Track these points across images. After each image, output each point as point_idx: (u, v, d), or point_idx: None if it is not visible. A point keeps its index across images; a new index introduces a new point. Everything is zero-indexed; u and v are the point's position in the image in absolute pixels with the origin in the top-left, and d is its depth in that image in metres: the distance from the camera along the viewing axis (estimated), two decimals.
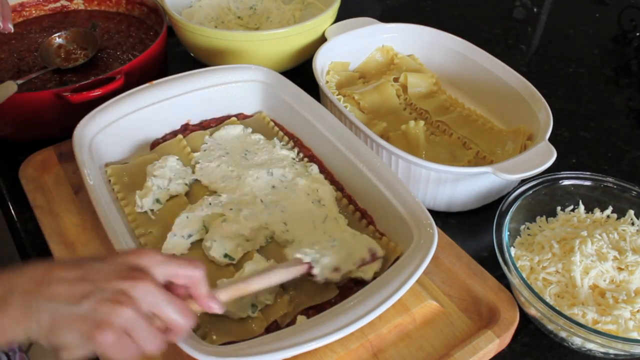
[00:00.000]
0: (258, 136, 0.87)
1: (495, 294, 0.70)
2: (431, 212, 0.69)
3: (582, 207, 0.79)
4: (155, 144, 0.87)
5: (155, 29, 1.10)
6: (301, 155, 0.85)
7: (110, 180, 0.80)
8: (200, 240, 0.72)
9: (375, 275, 0.68)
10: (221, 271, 0.70)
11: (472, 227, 0.84)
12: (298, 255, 0.65)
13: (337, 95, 0.98)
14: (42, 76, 0.98)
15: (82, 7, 1.17)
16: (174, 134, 0.88)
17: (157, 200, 0.76)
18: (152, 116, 0.86)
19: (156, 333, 0.49)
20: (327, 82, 1.00)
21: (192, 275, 0.52)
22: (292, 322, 0.64)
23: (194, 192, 0.80)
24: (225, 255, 0.70)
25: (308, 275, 0.65)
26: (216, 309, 0.54)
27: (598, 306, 0.67)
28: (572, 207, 0.79)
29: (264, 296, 0.65)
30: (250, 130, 0.88)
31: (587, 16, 1.37)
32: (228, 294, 0.57)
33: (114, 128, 0.82)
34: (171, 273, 0.51)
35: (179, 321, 0.50)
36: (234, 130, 0.88)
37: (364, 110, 0.97)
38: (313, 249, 0.67)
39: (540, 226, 0.78)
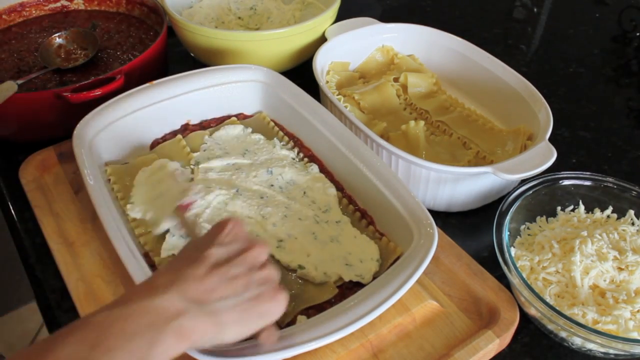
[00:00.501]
0: (258, 136, 0.87)
1: (495, 294, 0.70)
2: (431, 212, 0.69)
3: (582, 207, 0.79)
4: (155, 144, 0.87)
5: (155, 29, 1.10)
6: (301, 155, 0.85)
7: (110, 180, 0.80)
8: None
9: (375, 276, 0.68)
10: None
11: (472, 227, 0.84)
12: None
13: (337, 95, 0.98)
14: (42, 76, 0.98)
15: (82, 7, 1.17)
16: (173, 134, 0.88)
17: None
18: (152, 116, 0.86)
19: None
20: (327, 82, 1.00)
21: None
22: (292, 322, 0.64)
23: None
24: None
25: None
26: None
27: (598, 306, 0.67)
28: (572, 207, 0.79)
29: None
30: (250, 130, 0.88)
31: (587, 16, 1.38)
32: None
33: (114, 128, 0.82)
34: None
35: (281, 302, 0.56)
36: (233, 130, 0.88)
37: (364, 110, 0.97)
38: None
39: (540, 226, 0.78)
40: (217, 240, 0.55)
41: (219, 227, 0.57)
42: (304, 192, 0.78)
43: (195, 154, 0.84)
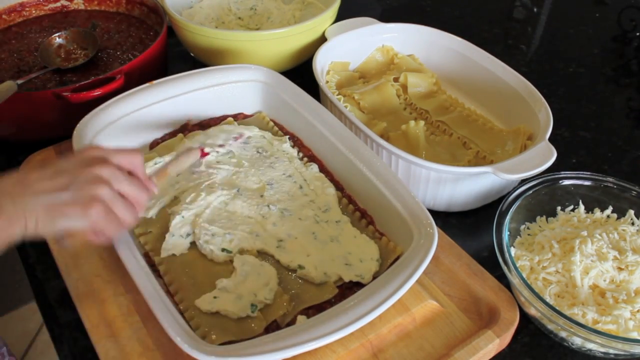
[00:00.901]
0: (256, 132, 0.87)
1: (495, 294, 0.70)
2: (431, 212, 0.69)
3: (582, 207, 0.79)
4: (154, 144, 0.87)
5: (155, 29, 1.10)
6: (301, 155, 0.85)
7: None
8: None
9: (375, 276, 0.68)
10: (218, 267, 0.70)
11: (472, 227, 0.84)
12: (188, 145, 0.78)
13: (337, 95, 0.98)
14: (42, 76, 0.98)
15: (82, 7, 1.17)
16: (173, 133, 0.88)
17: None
18: (152, 116, 0.86)
19: (128, 205, 0.59)
20: (327, 82, 1.00)
21: (133, 161, 0.61)
22: (292, 322, 0.64)
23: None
24: (223, 250, 0.70)
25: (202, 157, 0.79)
26: (153, 188, 0.64)
27: (598, 306, 0.67)
28: (572, 207, 0.79)
29: (263, 295, 0.65)
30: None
31: (587, 16, 1.38)
32: (156, 178, 0.67)
33: (114, 128, 0.82)
34: (120, 160, 0.60)
35: (142, 195, 0.60)
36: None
37: (364, 110, 0.97)
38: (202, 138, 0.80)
39: (540, 226, 0.78)
40: (63, 159, 0.58)
41: (94, 149, 0.60)
42: (304, 193, 0.78)
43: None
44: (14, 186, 0.54)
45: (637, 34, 1.32)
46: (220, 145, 0.82)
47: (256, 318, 0.64)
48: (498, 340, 0.66)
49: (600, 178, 0.78)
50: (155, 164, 0.79)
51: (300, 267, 0.69)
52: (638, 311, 0.66)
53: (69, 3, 1.17)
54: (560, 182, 0.78)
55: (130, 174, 0.61)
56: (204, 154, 0.80)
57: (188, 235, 0.72)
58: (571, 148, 0.99)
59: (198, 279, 0.68)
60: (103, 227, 0.57)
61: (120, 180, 0.58)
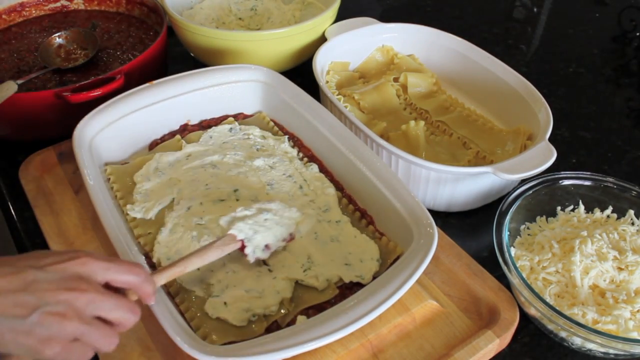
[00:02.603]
0: (257, 131, 0.87)
1: (495, 294, 0.70)
2: (431, 212, 0.69)
3: (582, 207, 0.79)
4: (154, 144, 0.87)
5: (155, 29, 1.10)
6: (301, 155, 0.85)
7: (109, 180, 0.80)
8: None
9: (375, 276, 0.68)
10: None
11: (472, 227, 0.84)
12: (232, 232, 0.66)
13: (337, 95, 0.98)
14: (42, 76, 0.98)
15: (82, 7, 1.17)
16: (172, 134, 0.88)
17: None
18: (152, 116, 0.86)
19: (106, 332, 0.50)
20: (327, 82, 1.00)
21: (130, 282, 0.53)
22: (292, 322, 0.64)
23: None
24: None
25: (241, 252, 0.67)
26: (152, 304, 0.57)
27: (598, 306, 0.67)
28: (572, 207, 0.79)
29: (267, 308, 0.65)
30: (239, 127, 0.89)
31: (587, 16, 1.37)
32: (166, 277, 0.60)
33: (114, 128, 0.82)
34: (112, 279, 0.51)
35: (128, 319, 0.51)
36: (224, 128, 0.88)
37: (364, 110, 0.97)
38: (247, 225, 0.67)
39: (540, 226, 0.78)
40: (42, 262, 0.49)
41: (59, 251, 0.51)
42: (304, 193, 0.78)
43: (191, 149, 0.84)
44: None
45: (637, 34, 1.32)
46: (267, 247, 0.69)
47: (257, 319, 0.64)
48: (498, 340, 0.65)
49: (600, 178, 0.78)
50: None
51: (301, 281, 0.68)
52: (638, 311, 0.66)
53: (69, 3, 1.17)
54: (560, 182, 0.78)
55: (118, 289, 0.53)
56: (243, 247, 0.67)
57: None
58: (571, 148, 0.99)
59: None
60: (71, 356, 0.48)
61: (101, 307, 0.49)
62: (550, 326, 0.68)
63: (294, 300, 0.67)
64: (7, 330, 0.46)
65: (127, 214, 0.75)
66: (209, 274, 0.68)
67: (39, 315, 0.46)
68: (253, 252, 0.67)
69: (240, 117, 0.93)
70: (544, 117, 0.85)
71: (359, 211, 0.77)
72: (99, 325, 0.49)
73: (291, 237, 0.71)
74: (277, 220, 0.70)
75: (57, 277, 0.48)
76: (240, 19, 1.17)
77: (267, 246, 0.68)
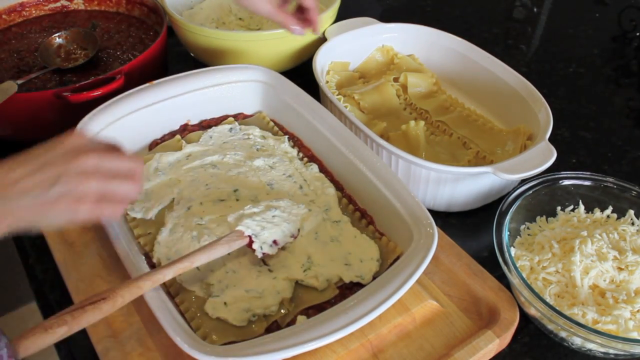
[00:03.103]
0: (257, 131, 0.87)
1: (495, 294, 0.70)
2: (431, 212, 0.69)
3: (582, 207, 0.79)
4: (154, 145, 0.87)
5: (155, 29, 1.10)
6: (301, 155, 0.85)
7: None
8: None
9: (375, 276, 0.68)
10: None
11: (472, 227, 0.84)
12: (239, 228, 0.67)
13: (337, 95, 0.98)
14: (42, 76, 0.98)
15: (82, 7, 1.17)
16: (172, 134, 0.88)
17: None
18: (152, 116, 0.86)
19: (125, 182, 0.56)
20: (327, 82, 1.00)
21: (114, 146, 0.59)
22: (292, 322, 0.64)
23: None
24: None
25: (248, 247, 0.67)
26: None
27: (598, 306, 0.67)
28: (572, 207, 0.79)
29: (267, 308, 0.65)
30: (239, 127, 0.89)
31: (587, 16, 1.38)
32: (172, 272, 0.61)
33: (114, 128, 0.82)
34: (103, 145, 0.58)
35: (137, 167, 0.58)
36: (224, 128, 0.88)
37: (364, 110, 0.97)
38: (255, 221, 0.68)
39: (540, 226, 0.78)
40: (47, 146, 0.55)
41: (77, 137, 0.56)
42: (304, 193, 0.78)
43: (191, 149, 0.84)
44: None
45: (637, 34, 1.32)
46: (275, 242, 0.69)
47: (257, 320, 0.64)
48: (498, 340, 0.65)
49: (600, 178, 0.78)
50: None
51: (301, 281, 0.68)
52: (638, 311, 0.66)
53: (69, 3, 1.17)
54: (560, 182, 0.78)
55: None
56: (250, 242, 0.68)
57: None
58: (571, 148, 0.99)
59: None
60: (98, 215, 0.55)
61: (109, 162, 0.55)
62: (550, 326, 0.68)
63: (294, 300, 0.67)
64: (39, 205, 0.51)
65: (127, 214, 0.75)
66: (209, 274, 0.68)
67: (62, 184, 0.52)
68: (260, 248, 0.67)
69: (240, 117, 0.93)
70: (544, 117, 0.85)
71: (359, 211, 0.77)
72: (117, 177, 0.55)
73: (294, 235, 0.71)
74: (285, 217, 0.70)
75: (63, 152, 0.54)
76: (240, 19, 1.17)
77: (275, 242, 0.68)
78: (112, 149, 0.58)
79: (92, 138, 0.57)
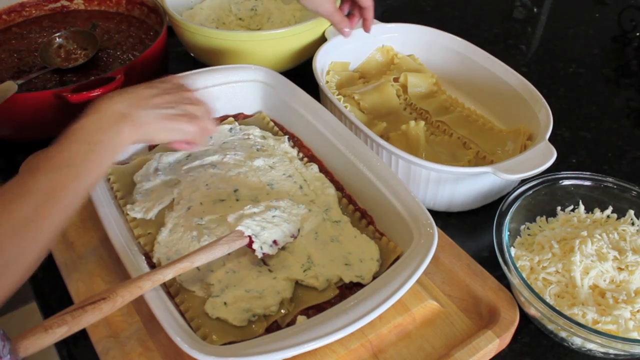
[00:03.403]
0: (257, 131, 0.87)
1: (495, 294, 0.70)
2: (431, 212, 0.69)
3: (582, 207, 0.79)
4: (154, 145, 0.87)
5: (155, 29, 1.10)
6: (301, 155, 0.85)
7: (109, 180, 0.80)
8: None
9: (375, 276, 0.68)
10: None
11: (472, 227, 0.84)
12: (239, 228, 0.67)
13: (337, 95, 0.98)
14: (42, 76, 0.98)
15: (82, 7, 1.17)
16: None
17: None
18: None
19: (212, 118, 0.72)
20: (327, 82, 1.00)
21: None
22: (292, 322, 0.64)
23: None
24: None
25: (248, 247, 0.68)
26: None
27: (598, 306, 0.67)
28: (572, 207, 0.79)
29: (267, 308, 0.65)
30: (239, 127, 0.89)
31: (587, 16, 1.37)
32: (172, 272, 0.61)
33: None
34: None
35: (211, 108, 0.71)
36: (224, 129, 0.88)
37: (364, 110, 0.97)
38: (255, 221, 0.68)
39: (540, 226, 0.78)
40: (171, 82, 0.71)
41: (179, 78, 0.73)
42: (304, 193, 0.78)
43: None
44: (135, 99, 0.64)
45: (637, 34, 1.32)
46: (275, 242, 0.70)
47: (257, 320, 0.64)
48: (498, 340, 0.65)
49: (600, 178, 0.78)
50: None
51: (301, 281, 0.68)
52: (638, 311, 0.66)
53: (69, 3, 1.17)
54: (560, 182, 0.78)
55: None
56: (251, 242, 0.68)
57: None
58: (571, 148, 0.99)
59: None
60: (200, 137, 0.68)
61: (200, 101, 0.70)
62: (551, 326, 0.68)
63: (294, 301, 0.67)
64: (169, 118, 0.65)
65: (127, 214, 0.75)
66: (209, 274, 0.68)
67: (181, 104, 0.67)
68: (260, 248, 0.67)
69: (240, 117, 0.93)
70: (544, 117, 0.85)
71: (359, 211, 0.77)
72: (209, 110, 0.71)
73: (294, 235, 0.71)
74: (285, 217, 0.70)
75: (174, 86, 0.70)
76: (240, 19, 1.17)
77: (275, 242, 0.68)
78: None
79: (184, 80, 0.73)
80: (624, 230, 0.74)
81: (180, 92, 0.68)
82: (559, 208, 0.79)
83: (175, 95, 0.67)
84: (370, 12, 0.95)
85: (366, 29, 0.97)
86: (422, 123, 0.89)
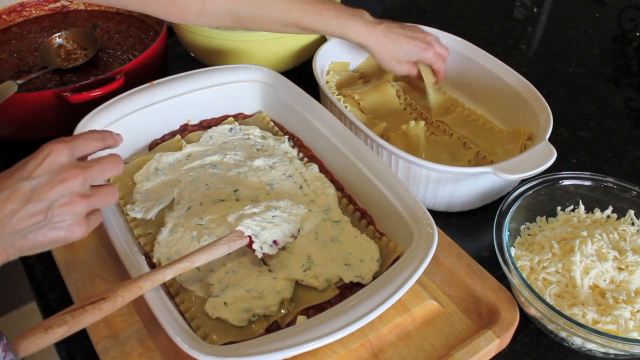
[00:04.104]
0: (257, 131, 0.87)
1: (495, 294, 0.70)
2: (431, 212, 0.69)
3: (582, 207, 0.79)
4: (154, 145, 0.87)
5: (155, 29, 1.10)
6: (301, 155, 0.85)
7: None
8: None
9: (375, 276, 0.68)
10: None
11: (472, 227, 0.84)
12: (239, 228, 0.67)
13: (337, 95, 0.98)
14: (42, 76, 0.98)
15: (82, 7, 1.17)
16: (172, 134, 0.88)
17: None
18: (152, 116, 0.86)
19: (106, 190, 0.60)
20: (327, 82, 1.00)
21: (98, 146, 0.61)
22: (292, 322, 0.64)
23: None
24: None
25: (248, 247, 0.67)
26: (117, 139, 0.64)
27: (598, 306, 0.67)
28: (572, 207, 0.79)
29: (268, 308, 0.65)
30: (239, 127, 0.89)
31: (587, 16, 1.38)
32: (172, 272, 0.61)
33: (114, 128, 0.82)
34: (84, 152, 0.60)
35: (118, 171, 0.60)
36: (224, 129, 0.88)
37: (364, 110, 0.97)
38: (255, 221, 0.68)
39: (540, 226, 0.78)
40: (26, 172, 0.55)
41: (32, 157, 0.56)
42: (304, 193, 0.78)
43: (191, 149, 0.84)
44: None
45: (637, 34, 1.32)
46: (275, 242, 0.69)
47: (257, 320, 0.64)
48: (498, 341, 0.65)
49: (600, 178, 0.78)
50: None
51: (301, 281, 0.68)
52: (638, 311, 0.66)
53: (69, 3, 1.17)
54: (560, 182, 0.78)
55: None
56: (251, 242, 0.68)
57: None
58: (571, 148, 0.99)
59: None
60: (92, 226, 0.59)
61: (93, 178, 0.57)
62: (551, 326, 0.68)
63: (294, 301, 0.67)
64: (39, 236, 0.54)
65: (127, 214, 0.75)
66: (209, 274, 0.68)
67: (54, 212, 0.54)
68: (260, 248, 0.67)
69: (240, 117, 0.93)
70: (544, 117, 0.85)
71: (359, 211, 0.77)
72: (99, 190, 0.59)
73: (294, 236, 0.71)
74: (285, 217, 0.70)
75: (47, 178, 0.54)
76: None
77: (275, 242, 0.68)
78: (84, 139, 0.60)
79: (70, 144, 0.57)
80: (624, 230, 0.74)
81: (59, 188, 0.54)
82: (559, 208, 0.79)
83: (48, 197, 0.54)
84: (442, 69, 0.95)
85: (437, 83, 0.97)
86: (422, 123, 0.89)
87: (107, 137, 0.62)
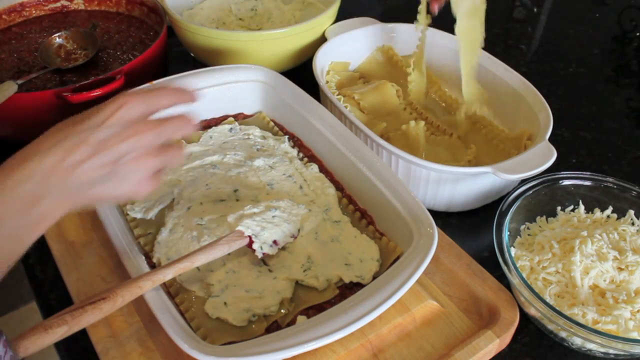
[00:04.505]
0: (257, 131, 0.87)
1: (495, 294, 0.70)
2: (431, 212, 0.69)
3: (582, 207, 0.79)
4: None
5: (155, 29, 1.10)
6: (301, 155, 0.85)
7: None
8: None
9: (375, 276, 0.68)
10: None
11: (472, 227, 0.84)
12: (239, 228, 0.67)
13: (337, 95, 0.98)
14: (42, 76, 0.98)
15: (82, 7, 1.17)
16: None
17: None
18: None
19: (174, 150, 0.57)
20: (327, 82, 1.00)
21: (173, 101, 0.59)
22: (292, 322, 0.64)
23: None
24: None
25: (248, 248, 0.67)
26: (195, 95, 0.61)
27: (598, 306, 0.67)
28: (572, 207, 0.79)
29: (267, 308, 0.65)
30: (239, 127, 0.89)
31: (587, 16, 1.38)
32: (172, 272, 0.61)
33: None
34: (159, 106, 0.57)
35: (189, 129, 0.58)
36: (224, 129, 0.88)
37: (364, 110, 0.97)
38: (254, 221, 0.68)
39: (540, 226, 0.78)
40: (97, 120, 0.52)
41: (103, 106, 0.54)
42: (304, 193, 0.78)
43: (192, 149, 0.84)
44: (57, 174, 0.50)
45: (637, 34, 1.32)
46: (275, 242, 0.69)
47: (257, 320, 0.64)
48: (498, 341, 0.65)
49: (600, 178, 0.78)
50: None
51: (302, 281, 0.68)
52: (638, 311, 0.66)
53: (69, 3, 1.17)
54: (560, 182, 0.78)
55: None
56: (251, 242, 0.68)
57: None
58: (571, 148, 0.99)
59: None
60: (156, 185, 0.56)
61: (166, 134, 0.55)
62: (551, 326, 0.68)
63: (294, 301, 0.67)
64: (104, 188, 0.52)
65: (127, 214, 0.75)
66: (209, 274, 0.68)
67: (122, 166, 0.52)
68: (260, 248, 0.67)
69: (240, 117, 0.93)
70: (544, 117, 0.85)
71: (359, 211, 0.77)
72: (168, 149, 0.56)
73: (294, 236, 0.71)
74: (285, 217, 0.70)
75: (118, 129, 0.52)
76: (240, 19, 1.17)
77: (275, 242, 0.69)
78: (160, 94, 0.57)
79: (142, 100, 0.55)
80: (624, 230, 0.74)
81: (129, 142, 0.53)
82: (559, 208, 0.79)
83: (118, 151, 0.52)
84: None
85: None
86: (422, 123, 0.89)
87: (184, 93, 0.59)
